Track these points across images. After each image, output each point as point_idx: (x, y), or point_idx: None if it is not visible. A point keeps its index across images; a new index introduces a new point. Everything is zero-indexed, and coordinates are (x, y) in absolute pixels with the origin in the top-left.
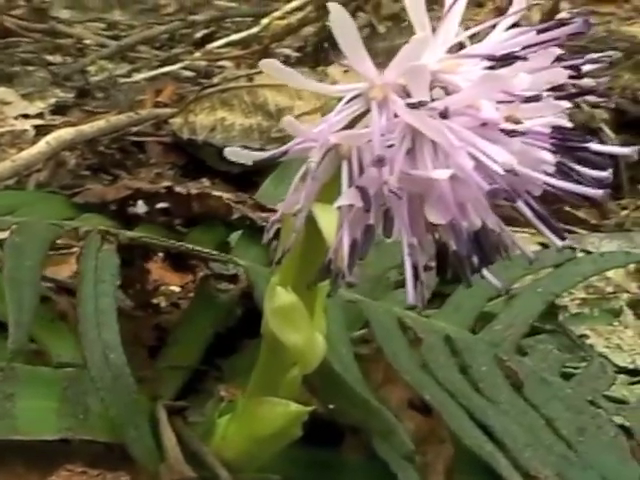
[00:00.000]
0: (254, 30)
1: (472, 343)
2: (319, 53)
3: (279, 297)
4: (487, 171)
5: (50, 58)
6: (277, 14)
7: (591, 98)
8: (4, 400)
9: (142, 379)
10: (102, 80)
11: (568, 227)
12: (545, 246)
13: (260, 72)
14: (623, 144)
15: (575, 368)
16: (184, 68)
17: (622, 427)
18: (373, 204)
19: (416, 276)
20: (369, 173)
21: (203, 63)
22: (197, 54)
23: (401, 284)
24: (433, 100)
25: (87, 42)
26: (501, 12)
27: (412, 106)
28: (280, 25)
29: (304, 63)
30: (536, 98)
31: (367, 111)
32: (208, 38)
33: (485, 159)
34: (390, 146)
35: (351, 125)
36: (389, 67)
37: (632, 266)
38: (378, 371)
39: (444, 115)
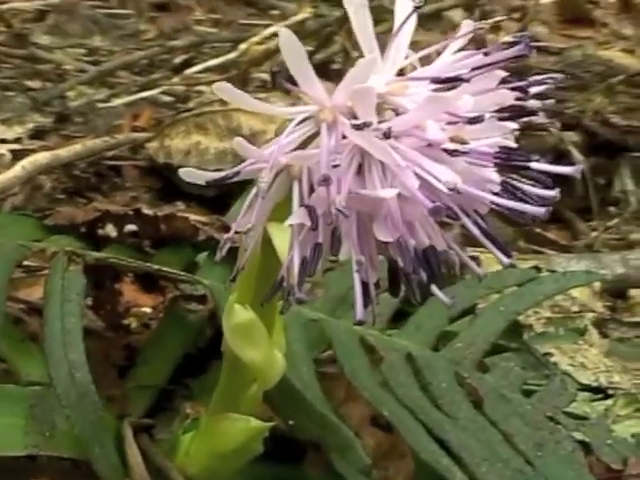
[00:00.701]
0: (232, 55)
1: (433, 361)
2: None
3: (237, 314)
4: (433, 190)
5: (30, 83)
6: (255, 39)
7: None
8: None
9: (111, 398)
10: (81, 105)
11: (538, 248)
12: (538, 269)
13: None
14: (593, 166)
15: (538, 385)
16: (163, 93)
17: (582, 443)
18: (321, 223)
19: (366, 293)
20: (317, 193)
21: (181, 88)
22: (175, 79)
23: None
24: (381, 121)
25: (67, 67)
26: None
27: (357, 127)
28: (258, 50)
29: (281, 86)
30: (479, 119)
31: (317, 132)
32: (187, 63)
33: (430, 178)
34: (336, 166)
35: (302, 146)
36: (337, 90)
37: (598, 286)
38: (341, 389)
39: (387, 136)
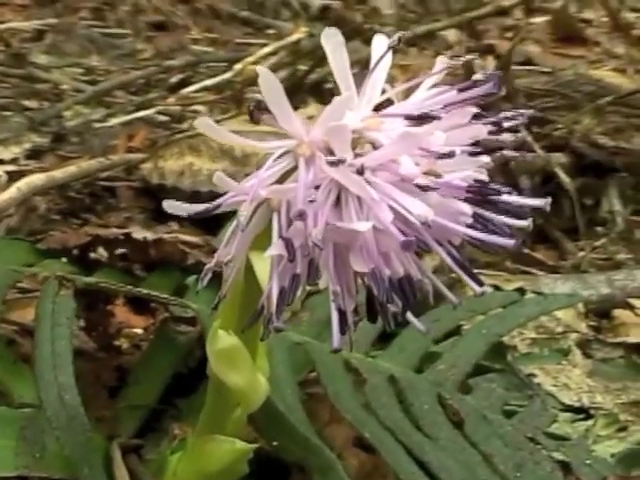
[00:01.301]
0: (228, 75)
1: (415, 382)
2: (290, 98)
3: (220, 340)
4: (406, 222)
5: (27, 103)
6: (250, 59)
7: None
8: None
9: (101, 418)
10: (78, 125)
11: (525, 268)
12: (522, 291)
13: (228, 118)
14: (581, 187)
15: (520, 406)
16: (158, 113)
17: (562, 463)
18: (298, 255)
19: (343, 321)
20: (295, 226)
21: (177, 108)
22: (171, 99)
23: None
24: (357, 155)
25: (64, 87)
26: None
27: (332, 164)
28: (253, 70)
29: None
30: (450, 155)
31: (296, 166)
32: (183, 83)
33: (403, 211)
34: (312, 201)
35: (281, 180)
36: (315, 125)
37: (581, 307)
38: (325, 410)
39: (360, 172)
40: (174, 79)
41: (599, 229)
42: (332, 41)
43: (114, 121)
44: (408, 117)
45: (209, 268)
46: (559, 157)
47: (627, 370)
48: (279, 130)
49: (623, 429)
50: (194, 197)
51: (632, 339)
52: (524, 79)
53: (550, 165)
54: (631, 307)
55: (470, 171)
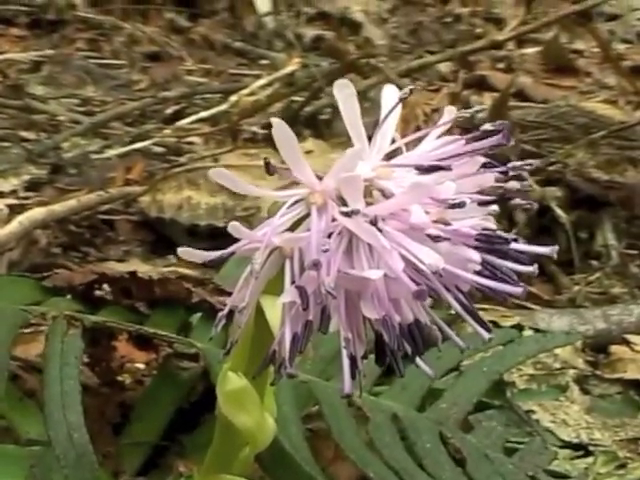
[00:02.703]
0: (223, 107)
1: (418, 421)
2: None
3: (230, 382)
4: (417, 270)
5: (25, 134)
6: (246, 91)
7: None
8: None
9: (106, 455)
10: (75, 156)
11: (521, 302)
12: (520, 327)
13: (226, 152)
14: (576, 220)
15: (520, 443)
16: (155, 144)
17: None
18: (311, 302)
19: (354, 366)
20: (307, 274)
21: (173, 139)
22: (167, 131)
23: None
24: (368, 204)
25: (61, 118)
26: (454, 97)
27: (345, 214)
28: (248, 102)
29: (270, 140)
30: (460, 205)
31: (308, 214)
32: (178, 114)
33: (414, 260)
34: (326, 249)
35: (293, 227)
36: (327, 175)
37: (579, 343)
38: (329, 447)
39: (373, 222)
40: (169, 110)
41: (594, 263)
42: (344, 92)
43: (111, 152)
44: (419, 167)
45: (222, 315)
46: (554, 191)
47: (625, 406)
48: (290, 179)
49: (622, 466)
50: (192, 230)
51: (629, 375)
52: (517, 111)
53: (545, 199)
54: (627, 343)
55: (478, 219)
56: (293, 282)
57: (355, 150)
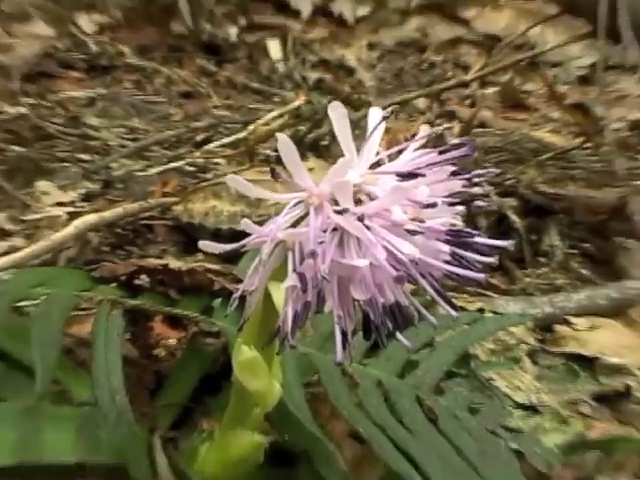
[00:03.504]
0: (242, 134)
1: (398, 386)
2: None
3: (243, 353)
4: (397, 259)
5: (82, 156)
6: (261, 121)
7: (481, 202)
8: (33, 433)
9: (143, 414)
10: (122, 174)
11: (483, 291)
12: (482, 310)
13: (244, 170)
14: (527, 225)
15: (482, 404)
16: (187, 164)
17: (516, 451)
18: (309, 286)
19: (344, 339)
20: (306, 262)
21: (201, 160)
22: (197, 153)
23: None
24: (357, 205)
25: (111, 144)
26: (431, 124)
27: (338, 212)
28: (263, 130)
29: (280, 161)
30: (433, 205)
31: (307, 214)
32: (206, 140)
33: (395, 251)
34: (322, 242)
35: (295, 224)
36: (323, 181)
37: (530, 323)
38: (326, 408)
39: (361, 219)
40: (199, 137)
41: (542, 259)
42: (337, 112)
43: (151, 171)
44: (399, 174)
45: (236, 297)
46: (510, 201)
47: (567, 375)
48: (293, 184)
49: (565, 423)
50: (216, 233)
51: (570, 349)
52: (480, 138)
53: (503, 208)
54: (569, 323)
55: (447, 218)
56: (294, 270)
57: (345, 160)
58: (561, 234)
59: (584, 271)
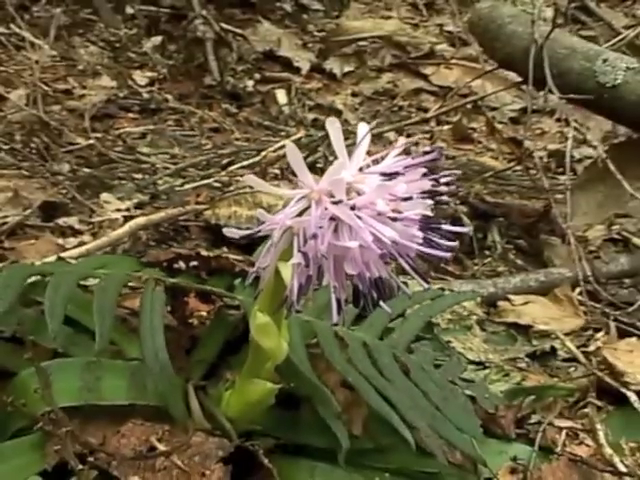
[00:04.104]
0: (257, 159)
1: (379, 346)
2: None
3: (258, 318)
4: (381, 242)
5: (135, 176)
6: (271, 149)
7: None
8: (95, 380)
9: (181, 369)
10: (166, 189)
11: (442, 276)
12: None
13: None
14: (475, 226)
15: (443, 361)
16: (215, 181)
17: (470, 397)
18: (311, 262)
19: (339, 306)
20: (309, 244)
21: (226, 178)
22: (222, 173)
23: None
24: (349, 199)
25: (158, 166)
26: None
27: (334, 203)
28: (273, 156)
29: (286, 177)
30: (409, 198)
31: (309, 206)
32: (230, 163)
33: (379, 235)
34: (321, 227)
35: (299, 215)
36: (322, 180)
37: (478, 300)
38: (322, 364)
39: (353, 208)
40: (224, 161)
41: (487, 252)
42: (333, 126)
43: (188, 186)
44: (382, 174)
45: (252, 272)
46: (462, 208)
47: (507, 339)
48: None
49: (507, 375)
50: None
51: (509, 320)
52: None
53: (457, 212)
54: (508, 300)
55: (420, 210)
56: (299, 250)
57: (340, 162)
58: (500, 233)
59: (519, 261)
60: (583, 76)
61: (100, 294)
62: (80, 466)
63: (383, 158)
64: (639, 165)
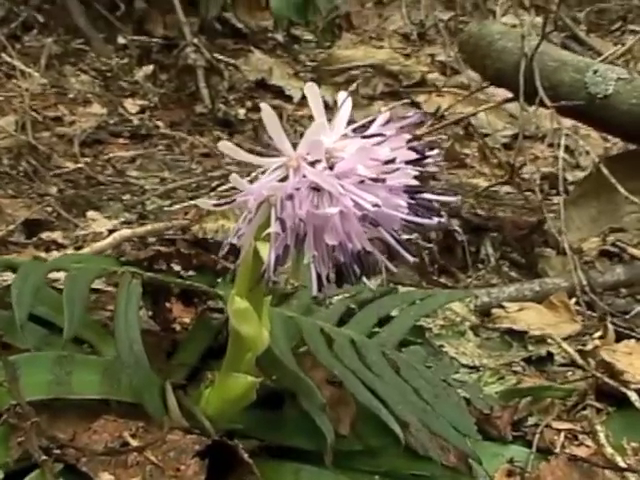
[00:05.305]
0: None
1: (367, 344)
2: None
3: (236, 303)
4: (362, 208)
5: (124, 197)
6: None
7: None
8: (66, 374)
9: (160, 370)
10: (154, 209)
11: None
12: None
13: None
14: (468, 240)
15: (434, 364)
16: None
17: (464, 398)
18: (289, 230)
19: (320, 281)
20: (286, 210)
21: (215, 199)
22: (212, 194)
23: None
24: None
25: (146, 188)
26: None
27: (311, 164)
28: None
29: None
30: (392, 160)
31: (286, 177)
32: (219, 185)
33: (361, 200)
34: (298, 189)
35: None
36: (300, 145)
37: (472, 306)
38: (308, 361)
39: (331, 168)
40: (214, 184)
41: (480, 266)
42: (312, 90)
43: (176, 207)
44: (364, 136)
45: (226, 243)
46: (455, 221)
47: (502, 344)
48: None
49: (502, 378)
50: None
51: (503, 326)
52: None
53: (450, 225)
54: (502, 307)
55: (405, 179)
56: (277, 217)
57: (318, 122)
58: (494, 246)
59: (512, 274)
60: (574, 88)
61: (70, 282)
62: (44, 457)
63: (365, 127)
64: (634, 178)
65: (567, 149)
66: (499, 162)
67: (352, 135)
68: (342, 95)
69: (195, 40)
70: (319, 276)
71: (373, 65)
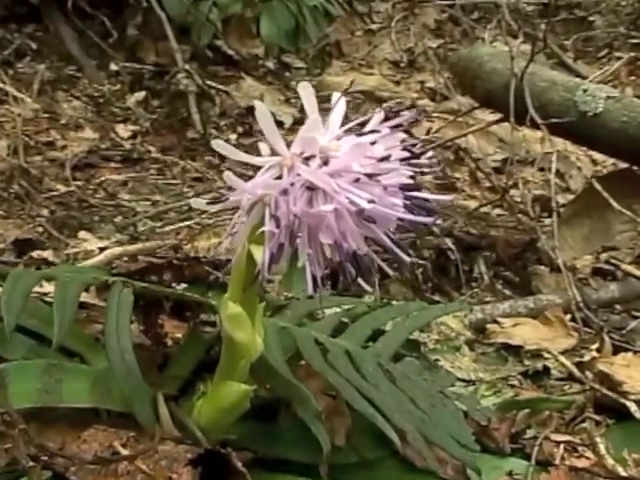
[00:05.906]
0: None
1: (362, 354)
2: None
3: (229, 307)
4: (357, 206)
5: (116, 220)
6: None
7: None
8: (55, 383)
9: (152, 383)
10: (145, 230)
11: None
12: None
13: None
14: (461, 259)
15: (430, 377)
16: (195, 223)
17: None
18: (283, 230)
19: (315, 282)
20: (280, 209)
21: (207, 220)
22: (204, 215)
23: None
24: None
25: (138, 210)
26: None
27: (305, 159)
28: None
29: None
30: (387, 158)
31: (280, 176)
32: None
33: (355, 198)
34: (293, 184)
35: None
36: (294, 143)
37: (467, 321)
38: (302, 371)
39: (326, 163)
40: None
41: (473, 284)
42: (306, 89)
43: (168, 228)
44: (359, 134)
45: (219, 241)
46: (448, 240)
47: (498, 359)
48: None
49: (498, 391)
50: (216, 263)
51: (499, 341)
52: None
53: (444, 244)
54: (497, 322)
55: (401, 178)
56: (271, 215)
57: (312, 119)
58: (486, 265)
59: (506, 291)
60: (564, 106)
61: (61, 289)
62: (31, 464)
63: (359, 126)
64: (626, 196)
65: (557, 173)
66: (491, 184)
67: (346, 134)
68: (336, 95)
69: (187, 66)
70: (314, 279)
71: (363, 91)
